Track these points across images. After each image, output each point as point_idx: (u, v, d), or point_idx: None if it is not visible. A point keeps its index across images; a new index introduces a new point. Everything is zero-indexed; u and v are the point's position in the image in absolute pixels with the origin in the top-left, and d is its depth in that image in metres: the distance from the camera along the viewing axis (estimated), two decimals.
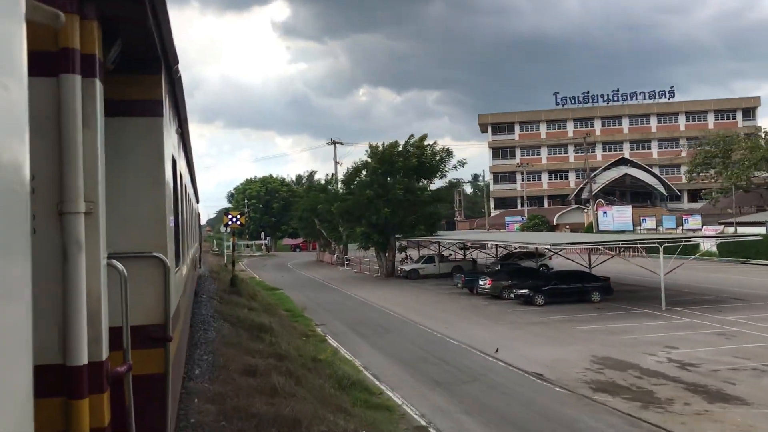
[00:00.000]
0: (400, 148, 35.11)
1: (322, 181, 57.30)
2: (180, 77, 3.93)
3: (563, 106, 73.60)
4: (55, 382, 2.18)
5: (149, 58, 3.14)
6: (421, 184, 35.77)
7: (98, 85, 2.43)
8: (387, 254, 36.38)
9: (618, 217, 52.66)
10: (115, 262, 2.62)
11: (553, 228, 58.50)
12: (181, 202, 5.38)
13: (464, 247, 37.13)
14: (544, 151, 74.96)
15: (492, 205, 74.51)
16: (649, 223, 50.41)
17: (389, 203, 33.61)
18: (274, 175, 79.99)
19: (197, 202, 18.04)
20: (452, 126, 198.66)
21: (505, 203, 75.05)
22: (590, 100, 73.74)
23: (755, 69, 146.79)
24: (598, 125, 73.30)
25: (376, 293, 27.24)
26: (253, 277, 35.33)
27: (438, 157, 35.48)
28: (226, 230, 46.27)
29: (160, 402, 3.19)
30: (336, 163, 55.54)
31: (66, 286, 2.26)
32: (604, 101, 73.60)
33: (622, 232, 46.76)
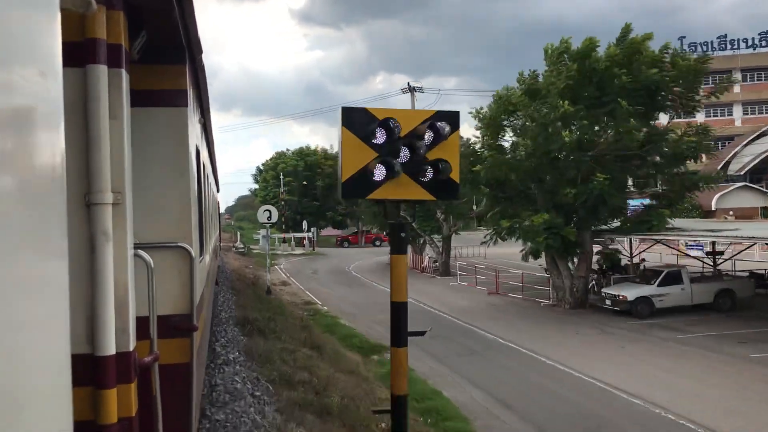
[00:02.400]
0: (613, 51, 20.00)
1: None
2: (204, 67, 4.51)
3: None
4: (83, 371, 2.59)
5: (174, 48, 3.68)
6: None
7: (124, 76, 2.90)
8: (579, 263, 22.23)
9: None
10: (141, 252, 3.14)
11: (707, 214, 49.91)
12: (204, 192, 5.99)
13: (713, 252, 24.17)
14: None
15: None
16: None
17: (600, 162, 19.93)
18: (312, 147, 70.21)
19: (218, 191, 18.80)
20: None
21: None
22: (728, 46, 67.22)
23: None
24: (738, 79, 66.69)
25: (674, 388, 12.66)
26: (311, 303, 23.91)
27: (693, 68, 20.35)
28: (267, 220, 24.91)
29: (185, 391, 3.78)
30: None
31: (94, 276, 2.71)
32: (747, 47, 66.88)
33: None
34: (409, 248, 35.51)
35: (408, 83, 48.50)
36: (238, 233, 62.20)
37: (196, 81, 4.54)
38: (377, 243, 59.17)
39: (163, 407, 3.31)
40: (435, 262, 34.80)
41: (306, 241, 56.22)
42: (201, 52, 4.06)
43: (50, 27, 1.23)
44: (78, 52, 2.66)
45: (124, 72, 2.83)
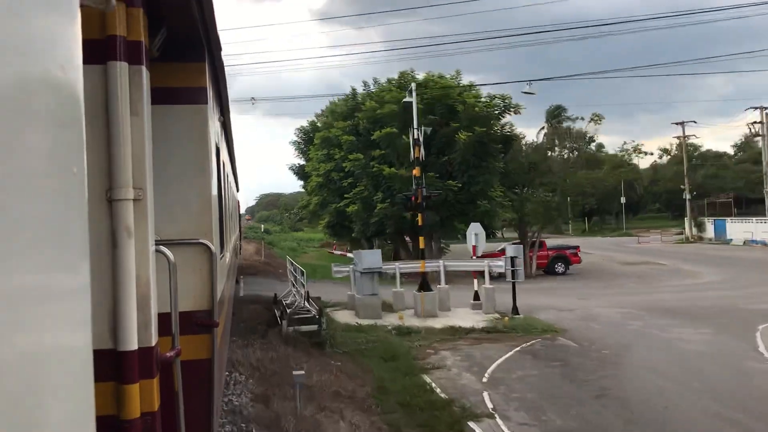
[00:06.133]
0: None
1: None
2: (223, 64, 4.50)
3: None
4: (106, 367, 2.62)
5: (193, 46, 3.68)
6: None
7: (144, 73, 2.89)
8: None
9: None
10: (163, 248, 3.14)
11: None
12: (224, 190, 6.00)
13: None
14: None
15: None
16: None
17: None
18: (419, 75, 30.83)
19: (237, 190, 18.37)
20: None
21: None
22: None
23: None
24: None
25: None
26: None
27: None
28: None
29: (206, 386, 3.77)
30: None
31: (116, 272, 2.71)
32: None
33: None
34: None
35: None
36: (290, 264, 22.54)
37: (215, 78, 4.54)
38: (560, 268, 29.15)
39: (184, 402, 3.31)
40: None
41: (488, 278, 18.49)
42: (220, 49, 4.06)
43: (70, 23, 1.24)
44: (98, 50, 2.67)
45: (144, 69, 2.83)
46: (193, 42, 3.58)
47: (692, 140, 58.07)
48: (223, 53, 4.18)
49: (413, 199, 19.29)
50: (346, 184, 29.71)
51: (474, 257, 18.92)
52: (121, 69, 2.72)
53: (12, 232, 0.95)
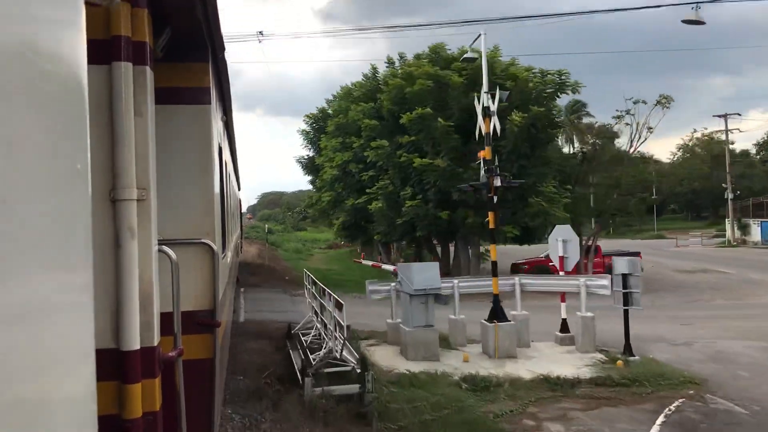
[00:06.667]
0: None
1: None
2: (226, 65, 4.51)
3: None
4: (108, 366, 2.64)
5: (197, 46, 3.68)
6: None
7: (149, 73, 2.90)
8: None
9: None
10: (166, 248, 3.15)
11: None
12: (226, 190, 6.01)
13: None
14: None
15: None
16: None
17: None
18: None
19: (239, 189, 18.36)
20: None
21: None
22: None
23: None
24: None
25: None
26: None
27: None
28: None
29: (207, 386, 3.78)
30: None
31: (119, 272, 2.73)
32: None
33: None
34: None
35: None
36: (310, 281, 12.52)
37: (218, 79, 4.54)
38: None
39: (186, 402, 3.31)
40: None
41: (585, 302, 12.50)
42: (224, 49, 4.07)
43: (75, 22, 1.25)
44: (103, 50, 2.69)
45: (148, 69, 2.85)
46: (196, 42, 3.59)
47: (716, 137, 56.61)
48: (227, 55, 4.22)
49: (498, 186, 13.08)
50: (366, 177, 24.75)
51: (562, 272, 13.51)
52: (125, 69, 2.74)
53: (16, 230, 0.96)
